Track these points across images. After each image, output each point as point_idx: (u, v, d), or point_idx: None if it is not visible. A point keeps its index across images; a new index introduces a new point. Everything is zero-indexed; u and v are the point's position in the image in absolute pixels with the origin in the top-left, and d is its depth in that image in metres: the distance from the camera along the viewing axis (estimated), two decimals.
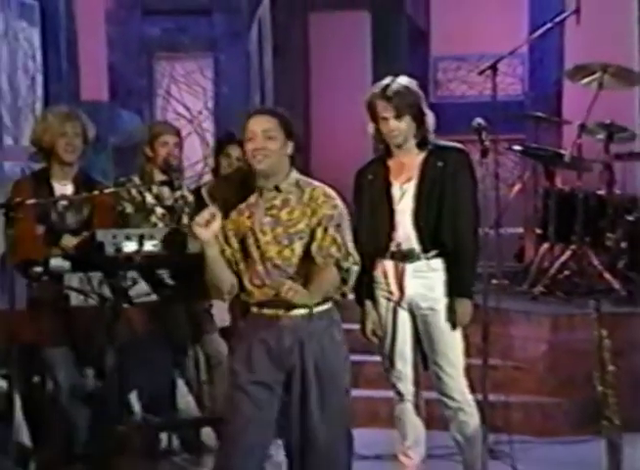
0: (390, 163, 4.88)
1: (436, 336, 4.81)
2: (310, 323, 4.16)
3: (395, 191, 4.84)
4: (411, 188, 4.80)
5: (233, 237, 4.22)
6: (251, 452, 4.22)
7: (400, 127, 4.75)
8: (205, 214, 4.02)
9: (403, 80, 4.81)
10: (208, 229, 3.99)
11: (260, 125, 4.17)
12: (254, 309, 4.19)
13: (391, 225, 4.81)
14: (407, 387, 4.94)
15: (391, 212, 4.82)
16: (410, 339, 4.92)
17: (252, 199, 4.23)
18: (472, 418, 4.82)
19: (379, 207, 4.84)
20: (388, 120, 4.74)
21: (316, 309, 4.16)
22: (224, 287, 4.18)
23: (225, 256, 4.20)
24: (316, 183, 4.27)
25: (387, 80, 4.82)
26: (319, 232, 4.18)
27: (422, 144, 4.82)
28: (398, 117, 4.73)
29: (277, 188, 4.20)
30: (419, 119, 4.78)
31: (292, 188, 4.21)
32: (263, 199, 4.20)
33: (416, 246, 4.79)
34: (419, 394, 4.99)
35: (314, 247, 4.18)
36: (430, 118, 4.83)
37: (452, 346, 4.82)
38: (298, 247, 4.17)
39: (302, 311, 4.14)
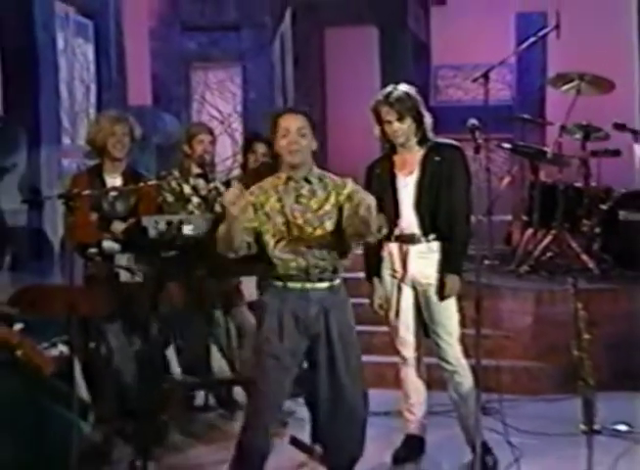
0: (395, 158, 4.88)
1: (435, 308, 4.82)
2: (332, 295, 4.16)
3: (399, 183, 4.84)
4: (412, 180, 4.80)
5: (258, 211, 4.14)
6: (278, 410, 4.27)
7: (402, 128, 4.75)
8: (233, 192, 3.94)
9: (403, 87, 4.81)
10: (236, 205, 3.90)
11: (295, 123, 4.12)
12: (279, 284, 4.14)
13: (396, 213, 4.81)
14: (410, 352, 4.96)
15: (396, 201, 4.82)
16: (412, 311, 4.92)
17: (280, 186, 4.17)
18: (466, 379, 4.82)
19: (385, 196, 4.82)
20: (392, 123, 4.74)
21: (336, 283, 4.18)
22: (235, 242, 4.04)
23: (252, 225, 4.11)
24: (335, 176, 4.25)
25: (389, 88, 4.82)
26: (347, 203, 4.13)
27: (422, 141, 4.82)
28: (400, 119, 4.73)
29: (307, 180, 4.17)
30: (418, 121, 4.77)
31: (316, 180, 4.19)
32: (291, 187, 4.16)
33: (417, 231, 4.80)
34: (420, 358, 5.02)
35: (346, 211, 4.13)
36: (428, 119, 4.82)
37: (448, 317, 4.83)
38: (329, 225, 4.14)
39: (326, 284, 4.14)
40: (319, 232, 4.13)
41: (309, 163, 4.20)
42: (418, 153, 4.83)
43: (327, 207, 4.17)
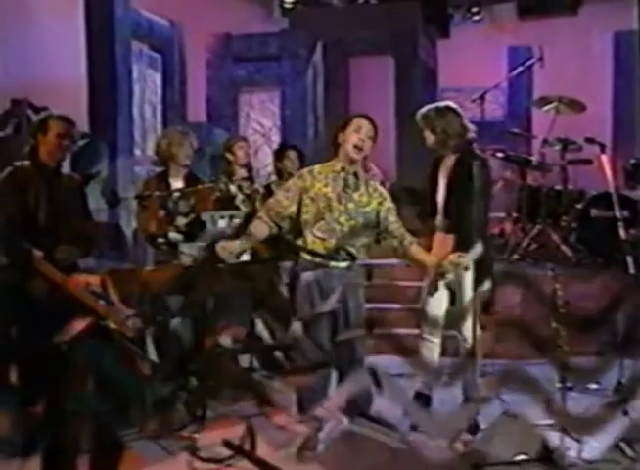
0: (442, 161, 4.80)
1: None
2: (351, 273, 4.18)
3: (439, 184, 4.75)
4: (443, 183, 4.73)
5: (303, 195, 4.14)
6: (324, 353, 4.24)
7: (430, 139, 4.71)
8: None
9: (423, 109, 4.74)
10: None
11: (368, 125, 4.16)
12: (308, 257, 4.13)
13: (435, 207, 4.76)
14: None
15: (434, 198, 4.76)
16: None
17: (330, 174, 4.17)
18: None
19: (429, 192, 4.80)
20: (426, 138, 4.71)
21: (354, 264, 4.19)
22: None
23: (288, 212, 4.14)
24: (377, 185, 4.32)
25: (425, 108, 4.74)
26: (391, 218, 4.24)
27: (456, 151, 4.69)
28: (427, 133, 4.70)
29: (356, 175, 4.19)
30: (438, 135, 4.68)
31: (362, 180, 4.22)
32: (341, 177, 4.16)
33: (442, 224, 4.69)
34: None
35: (394, 227, 4.23)
36: (456, 132, 4.67)
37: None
38: (362, 221, 4.17)
39: (346, 264, 4.15)
40: (352, 223, 4.15)
41: (361, 163, 4.23)
42: (450, 160, 4.72)
43: (368, 208, 4.19)
